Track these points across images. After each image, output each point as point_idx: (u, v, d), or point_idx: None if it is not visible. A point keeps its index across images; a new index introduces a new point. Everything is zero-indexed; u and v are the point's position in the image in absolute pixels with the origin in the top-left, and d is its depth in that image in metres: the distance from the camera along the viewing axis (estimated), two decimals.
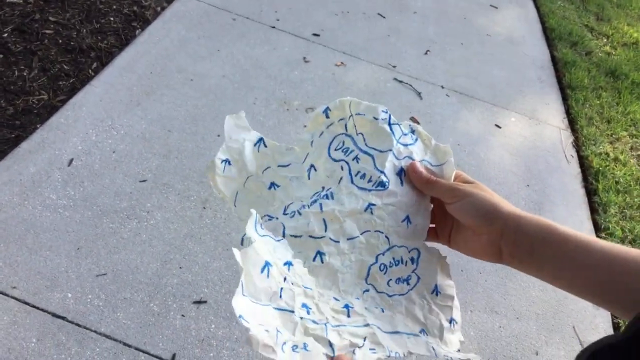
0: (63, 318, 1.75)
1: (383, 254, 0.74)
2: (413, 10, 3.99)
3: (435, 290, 0.76)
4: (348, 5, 3.80)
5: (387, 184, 0.74)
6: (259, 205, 0.75)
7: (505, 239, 0.67)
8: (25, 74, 2.55)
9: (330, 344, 0.65)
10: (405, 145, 0.76)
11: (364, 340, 0.68)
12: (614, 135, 3.36)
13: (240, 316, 0.57)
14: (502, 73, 3.64)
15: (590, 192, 2.90)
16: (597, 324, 2.23)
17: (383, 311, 0.73)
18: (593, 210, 2.79)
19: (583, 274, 0.62)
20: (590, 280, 0.61)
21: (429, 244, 0.78)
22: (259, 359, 1.79)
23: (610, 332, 2.19)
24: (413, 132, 0.77)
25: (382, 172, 0.74)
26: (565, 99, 3.59)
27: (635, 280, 0.58)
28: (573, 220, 2.68)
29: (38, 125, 2.32)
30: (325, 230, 0.72)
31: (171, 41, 2.96)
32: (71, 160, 2.20)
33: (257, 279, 0.61)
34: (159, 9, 3.17)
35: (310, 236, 0.72)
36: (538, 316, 2.19)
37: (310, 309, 0.67)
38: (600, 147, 3.20)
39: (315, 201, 0.74)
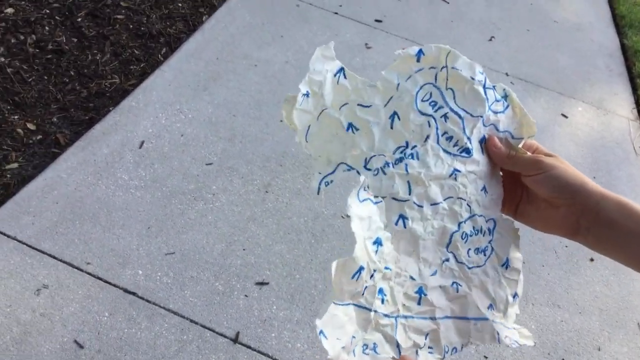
0: (134, 294, 1.83)
1: (465, 222, 0.72)
2: None
3: (506, 264, 0.75)
4: None
5: (471, 151, 0.71)
6: (335, 146, 0.69)
7: (585, 214, 0.66)
8: (98, 57, 2.65)
9: (398, 345, 0.67)
10: (495, 112, 0.72)
11: (425, 339, 0.70)
12: None
13: (320, 332, 0.59)
14: (569, 61, 3.54)
15: None
16: None
17: (458, 291, 0.72)
18: None
19: None
20: None
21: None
22: (318, 342, 1.84)
23: None
24: (506, 97, 0.73)
25: (469, 138, 0.71)
26: (635, 89, 3.46)
27: None
28: None
29: (111, 108, 2.41)
30: (410, 194, 0.69)
31: (236, 27, 3.02)
32: (142, 143, 2.29)
33: (345, 284, 0.62)
34: None
35: (394, 198, 0.69)
36: (601, 311, 2.15)
37: (385, 296, 0.67)
38: None
39: (400, 160, 0.69)
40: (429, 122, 0.70)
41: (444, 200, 0.70)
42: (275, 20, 3.14)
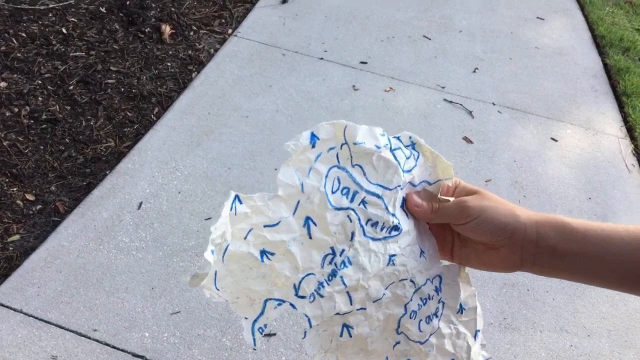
0: (142, 357, 1.84)
1: (411, 300, 0.67)
2: (458, 30, 4.01)
3: (460, 309, 0.71)
4: (393, 30, 3.85)
5: (399, 225, 0.65)
6: (254, 284, 0.59)
7: (526, 249, 0.64)
8: (92, 123, 2.70)
9: None
10: (409, 170, 0.66)
11: None
12: None
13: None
14: (554, 85, 3.60)
15: None
16: None
17: None
18: None
19: (608, 265, 0.61)
20: (616, 269, 0.61)
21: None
22: None
23: None
24: (414, 145, 0.67)
25: (393, 214, 0.64)
26: (621, 106, 3.52)
27: None
28: None
29: (107, 172, 2.45)
30: (351, 304, 0.63)
31: (226, 81, 3.08)
32: (140, 204, 2.32)
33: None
34: (212, 50, 3.30)
35: (337, 314, 0.63)
36: (610, 332, 2.15)
37: None
38: None
39: (334, 274, 0.61)
40: (349, 216, 0.62)
41: (386, 289, 0.65)
42: (262, 72, 3.21)
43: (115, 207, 2.29)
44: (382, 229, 0.63)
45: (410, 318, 0.67)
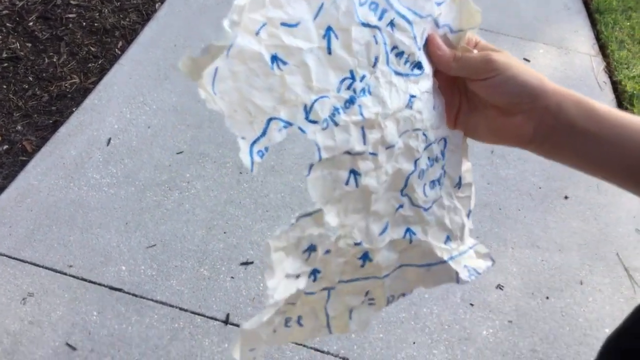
0: (120, 290, 1.84)
1: (421, 157, 0.59)
2: None
3: (459, 183, 0.65)
4: None
5: (422, 65, 0.57)
6: (258, 94, 0.49)
7: (545, 120, 0.58)
8: (55, 60, 2.61)
9: (327, 315, 0.62)
10: (440, 4, 0.58)
11: (365, 296, 0.63)
12: None
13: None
14: (528, 4, 3.54)
15: None
16: None
17: (412, 241, 0.62)
18: None
19: (623, 152, 0.56)
20: (630, 158, 0.56)
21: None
22: None
23: None
24: None
25: (419, 48, 0.57)
26: (594, 24, 3.48)
27: None
28: None
29: (74, 109, 2.39)
30: (365, 144, 0.54)
31: (191, 11, 2.98)
32: (109, 140, 2.28)
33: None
34: None
35: (347, 152, 0.53)
36: (580, 246, 2.20)
37: (318, 273, 0.59)
38: (634, 70, 3.11)
39: (352, 101, 0.52)
40: (374, 36, 0.52)
41: (399, 136, 0.57)
42: None
43: (84, 144, 2.25)
44: (405, 62, 0.55)
45: (419, 178, 0.60)
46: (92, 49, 2.70)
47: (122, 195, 2.10)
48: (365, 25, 0.51)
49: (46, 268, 1.87)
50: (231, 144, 2.33)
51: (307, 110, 0.51)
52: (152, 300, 1.83)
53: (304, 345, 1.76)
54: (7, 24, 2.75)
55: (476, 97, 0.61)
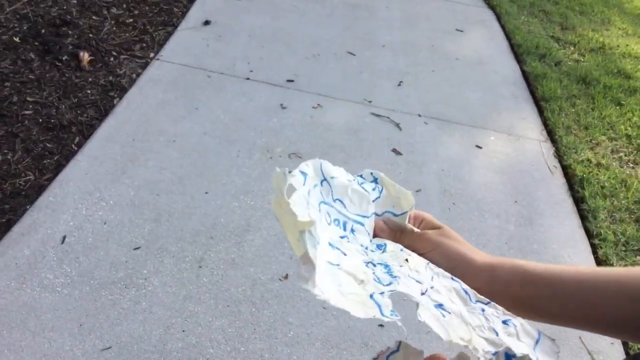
0: None
1: (449, 276, 0.69)
2: (381, 44, 4.09)
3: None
4: (317, 48, 3.88)
5: (382, 244, 0.71)
6: (351, 289, 0.60)
7: (480, 286, 0.66)
8: (9, 157, 2.58)
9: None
10: (375, 200, 0.74)
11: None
12: (593, 141, 3.42)
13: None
14: (476, 94, 3.71)
15: (578, 200, 2.94)
16: None
17: (516, 327, 0.66)
18: (583, 218, 2.83)
19: (561, 306, 0.64)
20: (571, 311, 0.64)
21: None
22: None
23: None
24: (376, 180, 0.75)
25: (371, 238, 0.72)
26: (541, 111, 3.66)
27: (609, 301, 0.61)
28: (565, 231, 2.71)
29: (28, 207, 2.34)
30: (421, 283, 0.64)
31: (149, 105, 3.02)
32: (64, 238, 2.22)
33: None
34: (134, 75, 3.23)
35: (422, 294, 0.63)
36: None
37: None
38: (582, 154, 3.25)
39: (386, 266, 0.66)
40: (349, 241, 0.68)
41: (426, 269, 0.67)
42: (188, 94, 3.16)
43: (38, 243, 2.19)
44: (373, 251, 0.69)
45: (462, 288, 0.67)
46: (48, 145, 2.68)
47: (77, 295, 2.03)
48: (341, 237, 0.67)
49: None
50: (190, 237, 2.31)
51: (378, 280, 0.61)
52: None
53: None
54: None
55: None
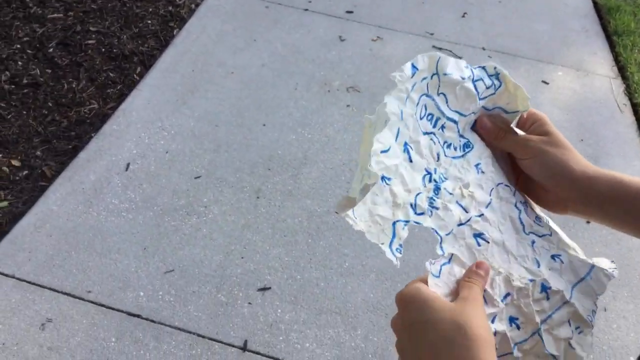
0: (138, 316, 1.84)
1: (516, 201, 0.71)
2: None
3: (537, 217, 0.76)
4: None
5: (470, 142, 0.72)
6: (381, 211, 0.63)
7: (573, 200, 0.66)
8: (74, 86, 2.65)
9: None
10: (485, 98, 0.72)
11: (570, 326, 0.68)
12: None
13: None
14: (544, 27, 3.54)
15: None
16: None
17: (563, 262, 0.69)
18: None
19: None
20: None
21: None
22: (326, 339, 1.85)
23: None
24: (497, 75, 0.72)
25: (461, 136, 0.71)
26: (612, 46, 3.47)
27: None
28: (632, 172, 2.61)
29: (93, 134, 2.41)
30: (467, 212, 0.68)
31: (209, 37, 3.01)
32: (128, 165, 2.29)
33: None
34: (193, 5, 3.22)
35: (460, 225, 0.67)
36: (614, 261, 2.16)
37: (517, 319, 0.66)
38: None
39: (437, 189, 0.68)
40: (432, 139, 0.69)
41: (490, 194, 0.70)
42: (246, 25, 3.14)
43: (103, 169, 2.27)
44: (455, 149, 0.70)
45: (527, 215, 0.71)
46: (111, 74, 2.73)
47: (141, 220, 2.11)
48: (425, 133, 0.69)
49: (65, 294, 1.87)
50: (248, 168, 2.34)
51: (414, 207, 0.65)
52: (169, 326, 1.82)
53: None
54: (28, 51, 2.79)
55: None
